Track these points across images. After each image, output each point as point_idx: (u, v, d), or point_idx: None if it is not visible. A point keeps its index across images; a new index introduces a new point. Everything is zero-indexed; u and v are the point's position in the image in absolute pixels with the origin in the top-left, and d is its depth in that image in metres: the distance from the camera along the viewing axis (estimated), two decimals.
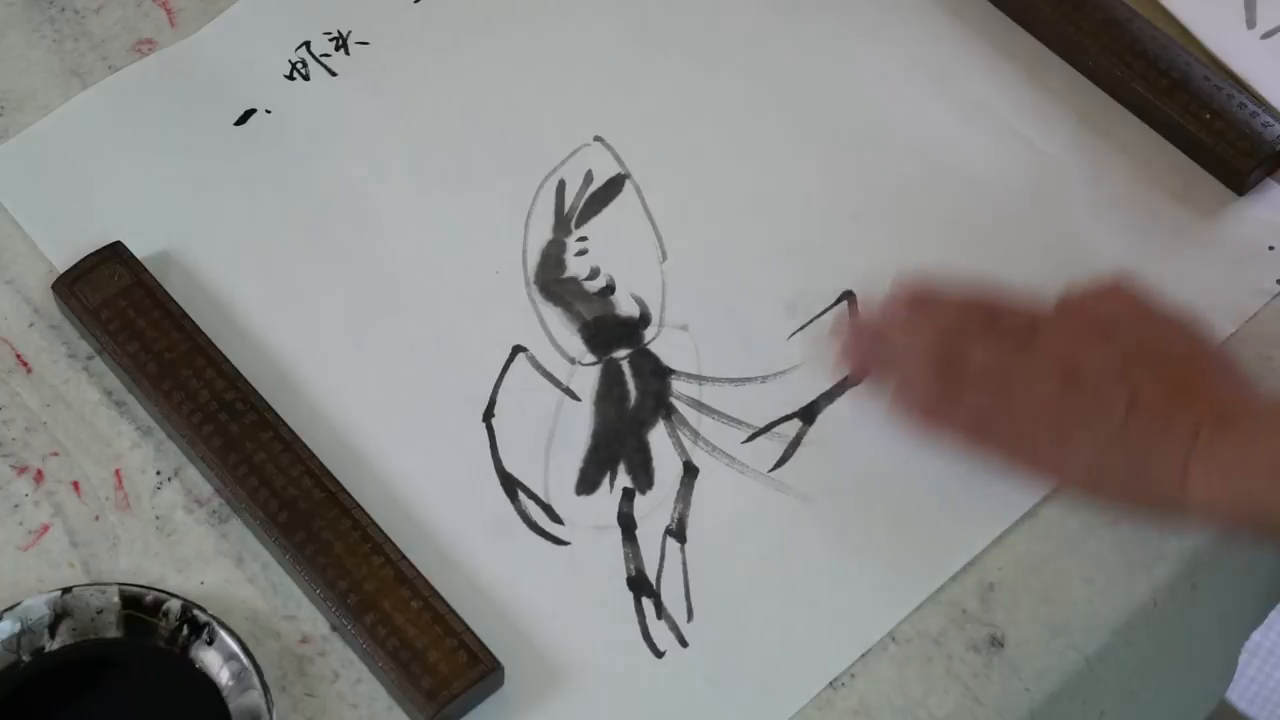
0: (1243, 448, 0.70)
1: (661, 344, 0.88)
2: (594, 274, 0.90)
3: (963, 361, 0.77)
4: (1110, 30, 0.96)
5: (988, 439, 0.78)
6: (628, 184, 0.93)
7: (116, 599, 0.77)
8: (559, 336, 0.88)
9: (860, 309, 0.87)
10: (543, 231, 0.92)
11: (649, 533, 0.82)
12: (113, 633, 0.77)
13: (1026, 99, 0.97)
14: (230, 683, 0.75)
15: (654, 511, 0.83)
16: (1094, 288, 0.80)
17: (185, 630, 0.76)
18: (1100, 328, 0.77)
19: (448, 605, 0.77)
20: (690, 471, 0.84)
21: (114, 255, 0.87)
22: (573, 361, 0.87)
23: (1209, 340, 0.78)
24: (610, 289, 0.90)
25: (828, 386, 0.86)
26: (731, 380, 0.87)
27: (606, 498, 0.83)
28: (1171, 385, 0.74)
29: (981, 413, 0.77)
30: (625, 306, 0.89)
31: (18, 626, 0.76)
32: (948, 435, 0.78)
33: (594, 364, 0.87)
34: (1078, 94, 0.97)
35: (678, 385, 0.87)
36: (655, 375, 0.87)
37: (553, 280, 0.90)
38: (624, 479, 0.84)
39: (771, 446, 0.85)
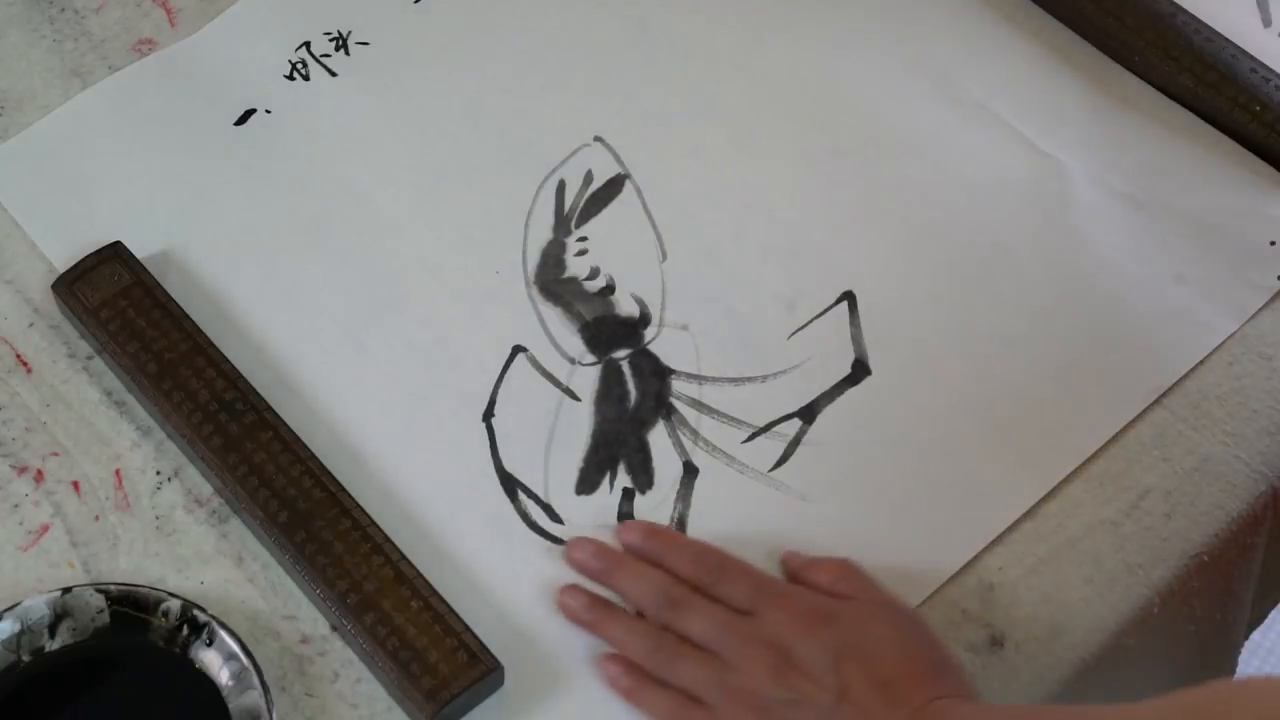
0: None
1: (661, 344, 0.88)
2: (594, 274, 0.90)
3: (682, 624, 0.77)
4: (1155, 25, 0.96)
5: (693, 717, 0.76)
6: (628, 184, 0.93)
7: (117, 599, 0.77)
8: (559, 336, 0.88)
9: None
10: (543, 231, 0.92)
11: None
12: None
13: (1029, 98, 0.97)
14: (230, 683, 0.75)
15: (654, 511, 0.83)
16: (817, 562, 0.80)
17: (185, 630, 0.76)
18: (819, 614, 0.76)
19: (448, 605, 0.77)
20: (690, 471, 0.84)
21: (114, 255, 0.87)
22: (573, 361, 0.87)
23: (923, 635, 0.77)
24: (610, 289, 0.90)
25: (828, 386, 0.86)
26: (731, 380, 0.87)
27: (606, 498, 0.83)
28: (880, 683, 0.73)
29: (692, 692, 0.76)
30: (625, 306, 0.89)
31: (18, 626, 0.76)
32: (653, 711, 0.76)
33: (594, 364, 0.87)
34: (1094, 88, 0.97)
35: (678, 385, 0.87)
36: (655, 375, 0.87)
37: (553, 280, 0.90)
38: (624, 479, 0.84)
39: (771, 446, 0.85)
